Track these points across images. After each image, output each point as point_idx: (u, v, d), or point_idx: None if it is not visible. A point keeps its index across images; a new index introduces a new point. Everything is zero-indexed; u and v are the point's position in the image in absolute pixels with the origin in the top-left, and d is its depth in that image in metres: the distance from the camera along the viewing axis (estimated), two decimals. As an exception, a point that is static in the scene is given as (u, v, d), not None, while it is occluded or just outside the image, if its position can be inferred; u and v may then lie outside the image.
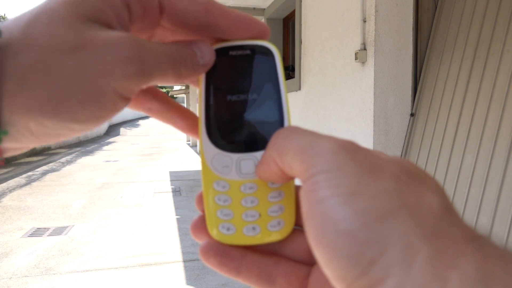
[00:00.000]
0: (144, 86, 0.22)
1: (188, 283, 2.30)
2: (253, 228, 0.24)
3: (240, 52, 0.26)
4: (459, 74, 2.00)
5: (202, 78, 0.25)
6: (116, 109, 0.21)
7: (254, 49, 0.26)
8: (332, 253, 0.17)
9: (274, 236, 0.24)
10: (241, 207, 0.24)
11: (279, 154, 0.21)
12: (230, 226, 0.24)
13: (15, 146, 0.21)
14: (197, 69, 0.24)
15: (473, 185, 1.80)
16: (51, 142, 0.22)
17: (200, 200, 0.25)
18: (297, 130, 0.21)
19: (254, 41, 0.26)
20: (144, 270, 2.50)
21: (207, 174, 0.25)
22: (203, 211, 0.25)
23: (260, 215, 0.24)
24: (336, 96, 2.67)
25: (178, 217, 3.74)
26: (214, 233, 0.24)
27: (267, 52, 0.26)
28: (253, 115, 0.25)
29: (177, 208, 4.10)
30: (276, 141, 0.22)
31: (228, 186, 0.25)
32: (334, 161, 0.18)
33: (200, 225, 0.25)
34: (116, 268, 2.54)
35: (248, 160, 0.25)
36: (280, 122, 0.25)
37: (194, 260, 2.66)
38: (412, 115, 2.25)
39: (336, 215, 0.17)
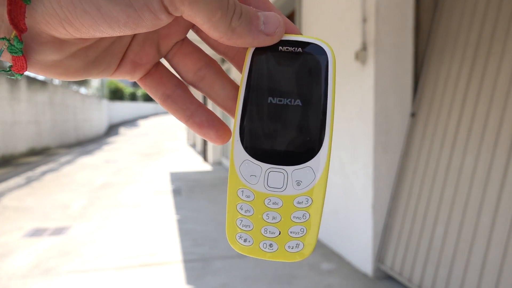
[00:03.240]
0: (185, 15, 0.19)
1: (188, 283, 2.30)
2: (270, 245, 0.23)
3: (291, 49, 0.23)
4: (460, 74, 1.99)
5: (245, 67, 0.23)
6: (155, 18, 0.19)
7: (308, 48, 0.23)
8: None
9: (290, 257, 0.23)
10: (261, 221, 0.23)
11: None
12: (247, 238, 0.23)
13: (46, 30, 0.19)
14: (255, 34, 0.21)
15: (474, 186, 1.80)
16: (82, 33, 0.19)
17: None
18: None
19: (309, 38, 0.23)
20: (144, 270, 2.49)
21: (233, 179, 0.23)
22: None
23: (280, 233, 0.23)
24: (336, 96, 2.66)
25: (178, 217, 3.74)
26: (232, 241, 0.24)
27: (321, 54, 0.23)
28: (292, 124, 0.23)
29: (177, 208, 4.10)
30: None
31: (253, 197, 0.23)
32: None
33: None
34: (116, 268, 2.53)
35: (278, 173, 0.23)
36: (319, 138, 0.22)
37: (194, 260, 2.65)
38: (412, 115, 2.25)
39: None
